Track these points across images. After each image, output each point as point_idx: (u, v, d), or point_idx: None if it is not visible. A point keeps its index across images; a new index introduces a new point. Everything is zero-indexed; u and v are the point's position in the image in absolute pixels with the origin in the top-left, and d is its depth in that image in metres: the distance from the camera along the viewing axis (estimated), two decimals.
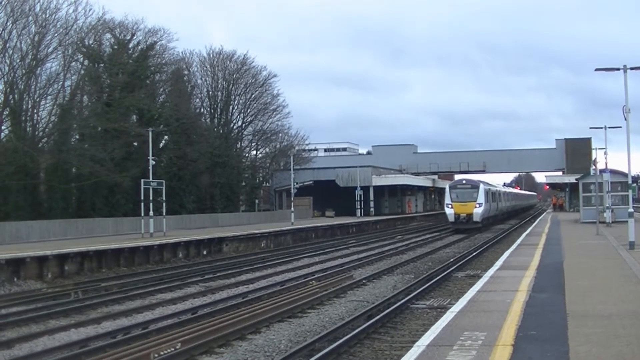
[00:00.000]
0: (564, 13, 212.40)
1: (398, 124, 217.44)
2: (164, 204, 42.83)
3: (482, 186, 53.47)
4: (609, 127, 41.13)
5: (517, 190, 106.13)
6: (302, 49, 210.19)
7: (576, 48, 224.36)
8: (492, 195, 59.29)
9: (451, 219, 52.89)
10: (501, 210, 68.64)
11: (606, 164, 43.36)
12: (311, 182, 74.02)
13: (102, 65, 53.38)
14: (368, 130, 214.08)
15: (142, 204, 39.80)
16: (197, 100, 69.95)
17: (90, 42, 52.12)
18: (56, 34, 46.97)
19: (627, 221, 25.54)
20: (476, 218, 51.90)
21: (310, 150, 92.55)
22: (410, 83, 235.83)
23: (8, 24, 44.64)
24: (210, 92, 71.07)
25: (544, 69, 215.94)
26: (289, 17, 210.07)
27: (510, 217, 79.80)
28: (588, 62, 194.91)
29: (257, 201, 75.02)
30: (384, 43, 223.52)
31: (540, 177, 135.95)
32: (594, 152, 51.10)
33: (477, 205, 51.79)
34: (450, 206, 52.84)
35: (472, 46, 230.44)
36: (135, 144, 51.82)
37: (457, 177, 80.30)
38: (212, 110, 71.56)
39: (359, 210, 70.67)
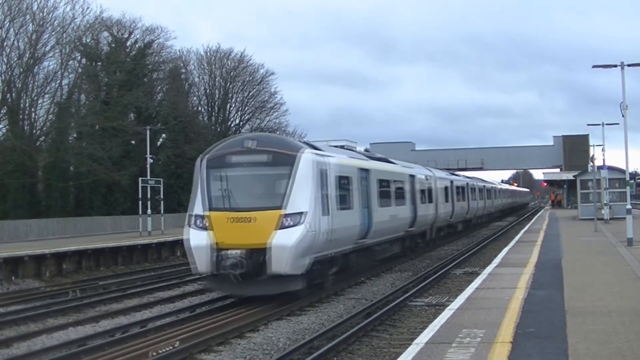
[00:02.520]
0: (554, 9, 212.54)
1: (392, 121, 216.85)
2: (162, 202, 42.84)
3: (308, 157, 17.28)
4: (607, 124, 41.24)
5: (495, 184, 72.06)
6: (290, 45, 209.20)
7: (567, 44, 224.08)
8: (379, 185, 24.28)
9: (202, 264, 16.58)
10: (434, 221, 33.52)
11: (604, 160, 43.52)
12: None
13: (99, 63, 53.42)
14: (363, 128, 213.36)
15: (140, 202, 39.81)
16: (195, 98, 69.94)
17: (88, 40, 52.14)
18: (53, 33, 47.04)
19: (625, 218, 25.58)
20: (281, 266, 16.16)
21: None
22: (402, 80, 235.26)
23: (5, 22, 44.64)
24: (208, 90, 71.02)
25: (535, 65, 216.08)
26: (277, 13, 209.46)
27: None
28: (580, 58, 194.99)
29: None
30: (372, 40, 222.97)
31: (538, 174, 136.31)
32: (591, 148, 51.30)
33: (287, 219, 16.40)
34: (199, 223, 16.90)
35: (461, 42, 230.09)
36: (133, 142, 51.83)
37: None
38: (210, 109, 71.51)
39: None
